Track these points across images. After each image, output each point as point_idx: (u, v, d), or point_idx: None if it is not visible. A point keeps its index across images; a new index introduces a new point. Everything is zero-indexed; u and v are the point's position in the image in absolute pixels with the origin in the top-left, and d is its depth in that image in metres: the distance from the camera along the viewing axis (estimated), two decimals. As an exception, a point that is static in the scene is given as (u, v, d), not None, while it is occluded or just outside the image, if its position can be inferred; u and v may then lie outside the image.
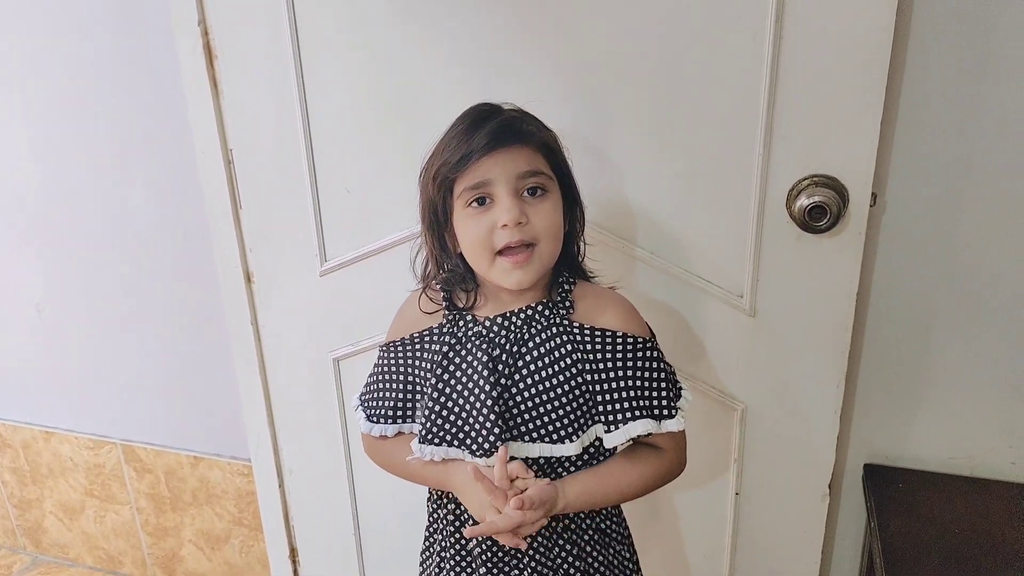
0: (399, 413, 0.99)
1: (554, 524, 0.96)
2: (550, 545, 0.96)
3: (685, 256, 1.20)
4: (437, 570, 1.05)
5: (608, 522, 1.01)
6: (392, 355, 0.99)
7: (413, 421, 0.98)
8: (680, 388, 0.95)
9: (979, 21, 1.05)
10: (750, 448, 1.28)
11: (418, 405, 0.97)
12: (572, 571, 0.97)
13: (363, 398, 1.03)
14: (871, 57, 1.02)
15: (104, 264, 1.68)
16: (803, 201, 1.08)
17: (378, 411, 1.00)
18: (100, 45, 1.49)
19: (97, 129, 1.56)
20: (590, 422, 0.92)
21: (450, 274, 0.95)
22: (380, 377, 1.00)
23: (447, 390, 0.92)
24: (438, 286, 0.97)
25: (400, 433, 1.00)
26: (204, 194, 1.43)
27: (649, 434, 0.91)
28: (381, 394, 1.00)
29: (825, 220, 1.06)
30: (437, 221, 0.91)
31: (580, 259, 0.99)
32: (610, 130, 1.16)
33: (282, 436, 1.59)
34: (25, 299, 1.80)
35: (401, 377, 0.98)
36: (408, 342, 0.98)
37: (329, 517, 1.61)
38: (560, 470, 0.93)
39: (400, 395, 0.98)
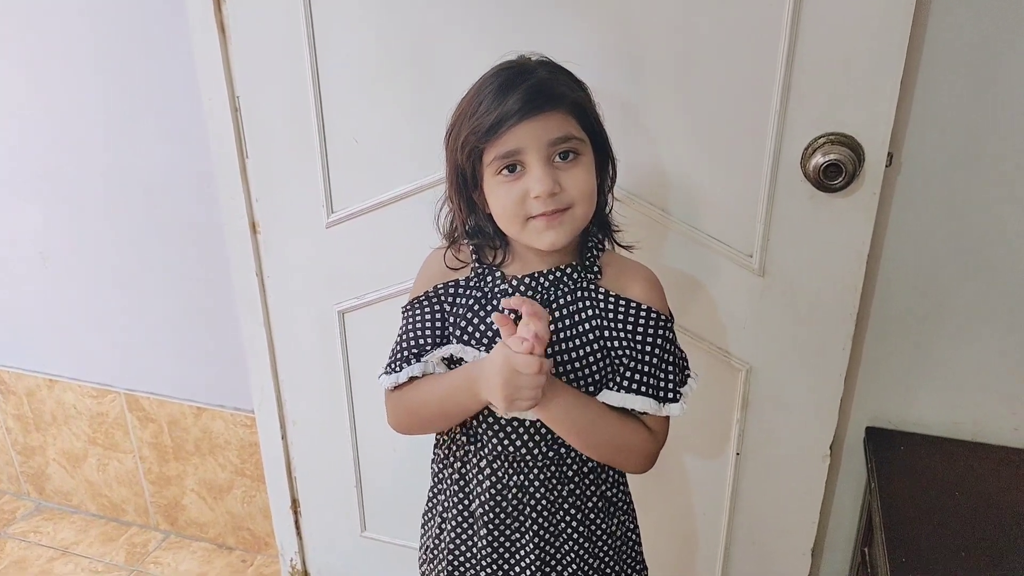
0: (425, 353, 0.94)
1: (559, 488, 0.95)
2: (554, 510, 0.96)
3: (694, 214, 1.19)
4: (438, 531, 1.05)
5: (614, 490, 1.00)
6: (419, 308, 0.96)
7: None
8: (687, 375, 0.95)
9: (1004, -20, 1.03)
10: (753, 408, 1.29)
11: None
12: (576, 536, 0.97)
13: (389, 362, 0.97)
14: (893, 15, 1.00)
15: (109, 212, 1.67)
16: (818, 159, 1.06)
17: (404, 359, 0.95)
18: (105, -12, 1.46)
19: (102, 76, 1.54)
20: (601, 386, 0.91)
21: (477, 233, 0.93)
22: (407, 334, 0.96)
23: (470, 340, 0.91)
24: (467, 242, 0.95)
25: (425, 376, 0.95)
26: (210, 142, 1.42)
27: (645, 413, 0.91)
28: (409, 348, 0.95)
29: (840, 179, 1.05)
30: (465, 184, 0.89)
31: (608, 210, 0.97)
32: (622, 86, 1.14)
33: (285, 388, 1.59)
34: (30, 247, 1.79)
35: (428, 329, 0.94)
36: (432, 294, 0.95)
37: (331, 469, 1.62)
38: (556, 433, 0.92)
39: (429, 341, 0.94)
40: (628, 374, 0.89)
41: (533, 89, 0.82)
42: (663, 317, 0.91)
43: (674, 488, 1.40)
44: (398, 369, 0.95)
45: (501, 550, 0.98)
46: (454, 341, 0.93)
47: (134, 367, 1.82)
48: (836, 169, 1.05)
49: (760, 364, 1.25)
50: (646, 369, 0.89)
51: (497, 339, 0.87)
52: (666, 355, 0.91)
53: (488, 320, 0.90)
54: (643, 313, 0.89)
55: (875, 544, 1.11)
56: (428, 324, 0.94)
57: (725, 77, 1.09)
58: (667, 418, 0.94)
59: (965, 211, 1.14)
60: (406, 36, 1.21)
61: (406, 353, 0.95)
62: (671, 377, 0.91)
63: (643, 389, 0.89)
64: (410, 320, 0.96)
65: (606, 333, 0.89)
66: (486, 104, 0.83)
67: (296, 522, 1.73)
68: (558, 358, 0.89)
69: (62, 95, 1.59)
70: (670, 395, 0.91)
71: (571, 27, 1.13)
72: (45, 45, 1.56)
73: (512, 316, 0.86)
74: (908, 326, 1.23)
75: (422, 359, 0.94)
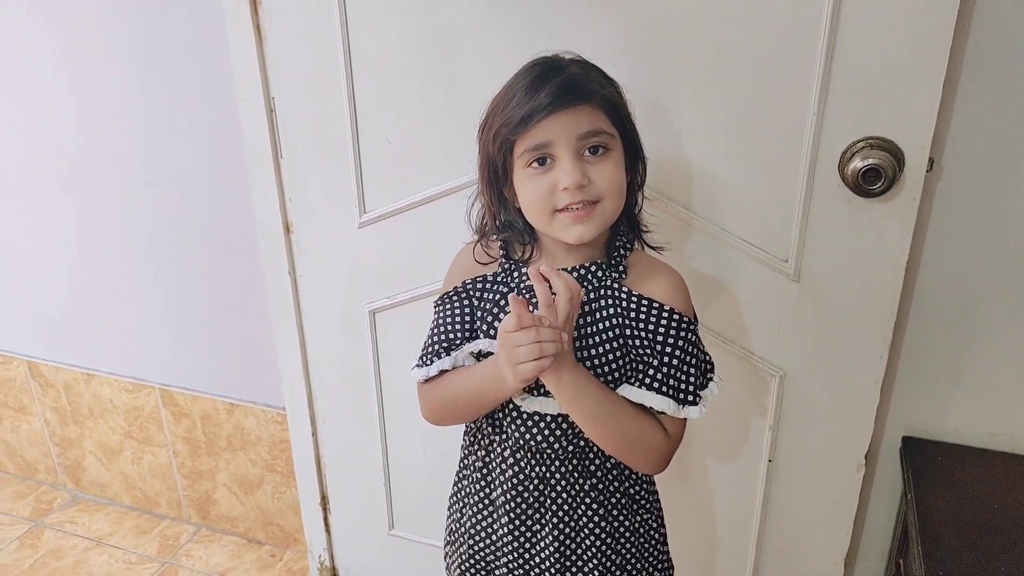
0: (454, 347, 0.96)
1: (581, 482, 0.96)
2: (575, 504, 0.96)
3: (729, 217, 1.18)
4: (459, 515, 1.06)
5: (637, 487, 1.00)
6: (449, 304, 0.97)
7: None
8: (710, 379, 0.94)
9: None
10: (786, 415, 1.27)
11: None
12: (597, 531, 0.97)
13: (421, 356, 0.99)
14: (935, 16, 0.98)
15: (146, 210, 1.70)
16: (857, 163, 1.04)
17: (435, 353, 0.96)
18: (144, -11, 1.48)
19: (139, 75, 1.57)
20: (621, 383, 0.91)
21: (508, 227, 0.94)
22: (437, 328, 0.97)
23: (496, 335, 0.91)
24: (496, 238, 0.96)
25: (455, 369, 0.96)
26: (245, 142, 1.43)
27: (663, 413, 0.90)
28: (439, 342, 0.96)
29: (880, 184, 1.03)
30: (496, 178, 0.90)
31: (637, 210, 0.97)
32: (656, 86, 1.13)
33: (316, 386, 1.60)
34: (68, 243, 1.82)
35: (458, 324, 0.96)
36: (461, 289, 0.97)
37: (360, 467, 1.63)
38: (577, 428, 0.93)
39: (459, 336, 0.95)
40: (650, 372, 0.89)
41: (564, 83, 0.83)
42: (686, 319, 0.90)
43: (705, 493, 1.38)
44: (429, 363, 0.97)
45: (522, 539, 0.99)
46: (482, 336, 0.94)
47: (169, 363, 1.85)
48: (875, 174, 1.03)
49: (794, 370, 1.24)
50: (666, 370, 0.89)
51: None
52: (687, 357, 0.90)
53: None
54: (665, 314, 0.89)
55: (911, 556, 1.09)
56: (458, 319, 0.96)
57: (762, 79, 1.08)
58: (684, 420, 0.93)
59: (1007, 218, 1.12)
60: (438, 38, 1.22)
61: (436, 347, 0.97)
62: (691, 379, 0.90)
63: (663, 389, 0.89)
64: (440, 315, 0.98)
65: (627, 332, 0.89)
66: (518, 98, 0.85)
67: (325, 519, 1.75)
68: (579, 354, 0.90)
69: (99, 94, 1.62)
70: (689, 397, 0.90)
71: (600, 27, 1.12)
72: (82, 44, 1.59)
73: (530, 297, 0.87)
74: (946, 334, 1.21)
75: (452, 353, 0.95)
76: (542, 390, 0.91)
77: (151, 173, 1.65)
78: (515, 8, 1.16)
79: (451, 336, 0.96)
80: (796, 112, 1.08)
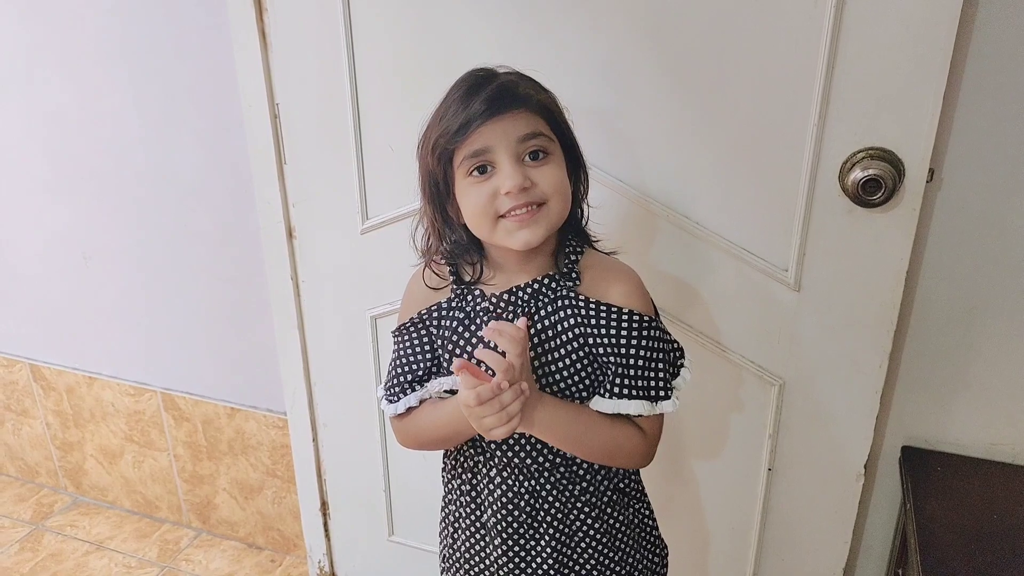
0: (419, 380, 0.96)
1: (572, 488, 0.95)
2: (567, 511, 0.96)
3: (729, 226, 1.18)
4: (451, 540, 1.06)
5: (626, 481, 1.00)
6: (407, 336, 0.97)
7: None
8: (681, 366, 0.94)
9: (1054, -7, 1.00)
10: (786, 424, 1.27)
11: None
12: (592, 532, 0.97)
13: (387, 387, 0.99)
14: (937, 26, 0.99)
15: (150, 215, 1.70)
16: (857, 174, 1.05)
17: (401, 388, 0.97)
18: (151, -5, 1.50)
19: (144, 80, 1.58)
20: (592, 392, 0.91)
21: (454, 246, 0.93)
22: (399, 361, 0.97)
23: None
24: (443, 260, 0.95)
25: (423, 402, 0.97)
26: (249, 148, 1.44)
27: (639, 415, 0.90)
28: (403, 374, 0.97)
29: (879, 194, 1.04)
30: (439, 193, 0.89)
31: (584, 222, 0.97)
32: (659, 95, 1.14)
33: (317, 391, 1.61)
34: (73, 247, 1.83)
35: (419, 354, 0.96)
36: (417, 320, 0.96)
37: (360, 472, 1.64)
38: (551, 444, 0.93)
39: (422, 367, 0.95)
40: (618, 380, 0.89)
41: (498, 89, 0.83)
42: (646, 318, 0.89)
43: (704, 501, 1.38)
44: (395, 399, 0.97)
45: (516, 559, 0.98)
46: (444, 363, 0.93)
47: (171, 367, 1.86)
48: (875, 184, 1.04)
49: (794, 379, 1.24)
50: (634, 373, 0.88)
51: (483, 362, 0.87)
52: (654, 354, 0.90)
53: (473, 340, 0.91)
54: (625, 317, 0.88)
55: (910, 566, 1.09)
56: (418, 351, 0.95)
57: (763, 89, 1.09)
58: (661, 415, 0.93)
59: (1007, 229, 1.12)
60: (442, 46, 1.22)
61: (400, 380, 0.96)
62: (661, 375, 0.90)
63: (634, 393, 0.89)
64: (400, 348, 0.97)
65: (590, 340, 0.89)
66: (454, 108, 0.84)
67: (325, 524, 1.75)
68: (544, 368, 0.90)
69: (104, 100, 1.63)
70: (662, 393, 0.90)
71: (600, 37, 1.13)
72: (86, 48, 1.60)
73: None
74: (946, 344, 1.21)
75: (417, 388, 0.96)
76: None
77: (155, 177, 1.66)
78: (520, 18, 1.17)
79: (414, 368, 0.95)
80: (797, 122, 1.08)
